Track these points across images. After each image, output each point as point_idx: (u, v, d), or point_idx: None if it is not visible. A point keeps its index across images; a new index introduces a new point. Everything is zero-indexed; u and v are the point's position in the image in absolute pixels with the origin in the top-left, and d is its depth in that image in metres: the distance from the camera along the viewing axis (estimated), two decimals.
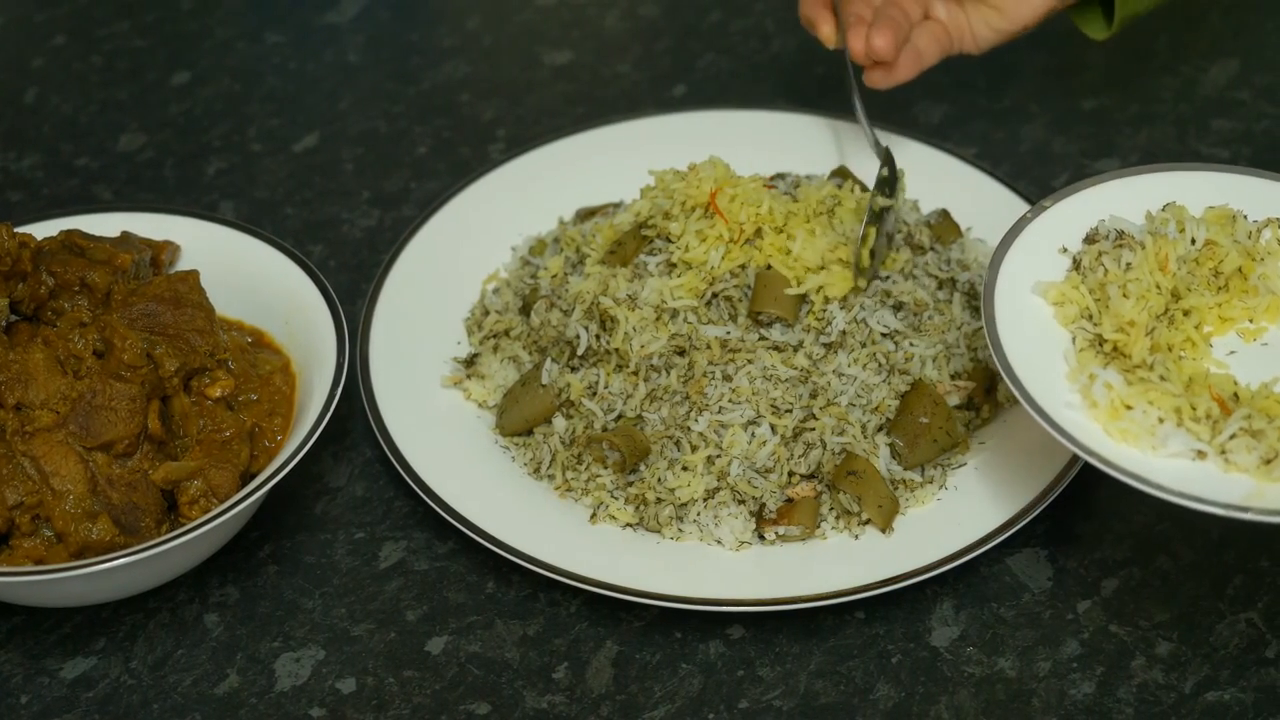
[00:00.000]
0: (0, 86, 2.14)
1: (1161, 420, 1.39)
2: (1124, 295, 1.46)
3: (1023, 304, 1.49)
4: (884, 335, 1.59)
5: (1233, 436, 1.37)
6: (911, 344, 1.60)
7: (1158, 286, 1.47)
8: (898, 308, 1.61)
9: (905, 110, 2.04)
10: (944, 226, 1.72)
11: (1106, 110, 2.03)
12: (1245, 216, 1.53)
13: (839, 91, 2.07)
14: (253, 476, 1.52)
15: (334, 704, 1.44)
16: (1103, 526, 1.56)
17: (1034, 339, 1.47)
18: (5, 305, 1.53)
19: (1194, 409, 1.39)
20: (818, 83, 2.09)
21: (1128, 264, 1.48)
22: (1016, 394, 1.41)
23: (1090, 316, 1.48)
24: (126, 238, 1.64)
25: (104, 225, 1.66)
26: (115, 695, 1.46)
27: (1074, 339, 1.47)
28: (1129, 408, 1.40)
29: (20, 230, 1.60)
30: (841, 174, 1.74)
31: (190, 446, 1.52)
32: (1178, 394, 1.40)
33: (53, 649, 1.49)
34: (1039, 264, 1.52)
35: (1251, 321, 1.49)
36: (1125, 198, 1.55)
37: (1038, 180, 1.93)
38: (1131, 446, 1.39)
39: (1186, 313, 1.47)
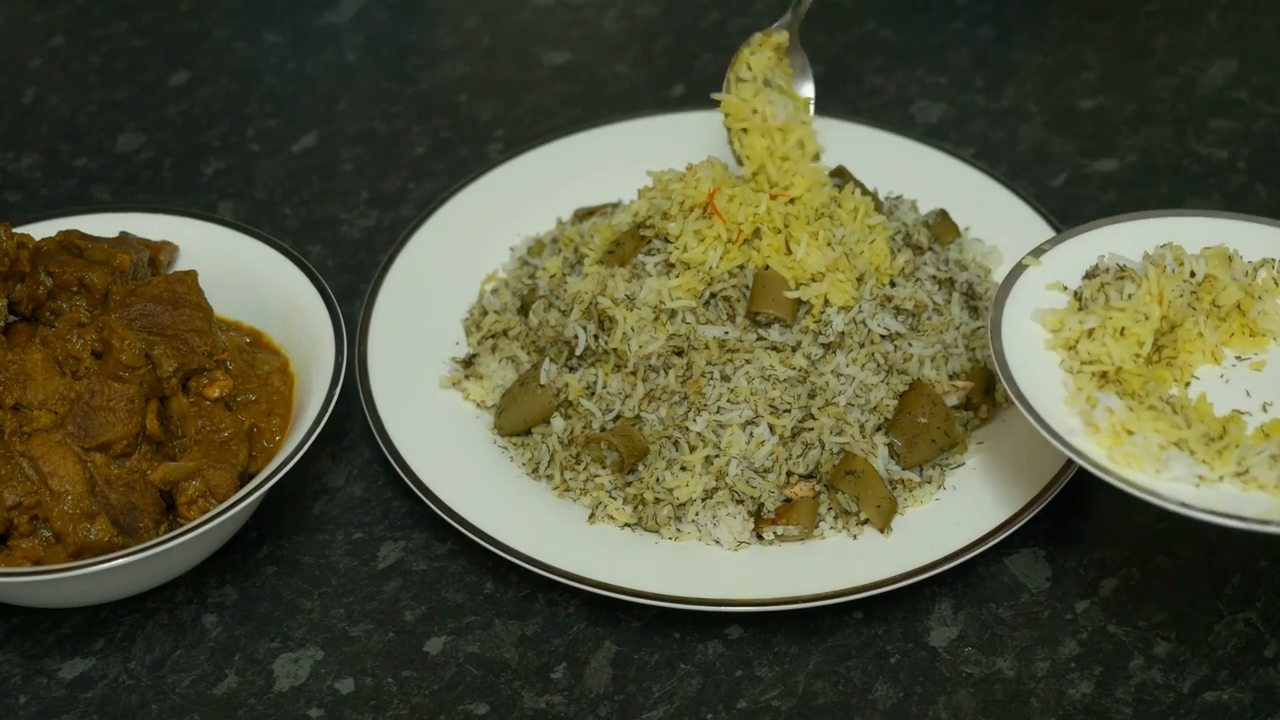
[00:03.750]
0: None
1: (1163, 447, 1.40)
2: (1118, 336, 1.48)
3: (1022, 330, 1.51)
4: (883, 337, 1.59)
5: (1265, 455, 1.40)
6: (910, 344, 1.60)
7: (1146, 316, 1.48)
8: (898, 311, 1.61)
9: (904, 110, 2.04)
10: (942, 227, 1.72)
11: (1105, 110, 2.03)
12: (1240, 256, 1.55)
13: (839, 91, 2.07)
14: (251, 477, 1.52)
15: (333, 704, 1.44)
16: (1101, 526, 1.56)
17: (1034, 365, 1.48)
18: (4, 306, 1.53)
19: (1194, 434, 1.41)
20: (817, 83, 2.08)
21: (1129, 295, 1.50)
22: (1037, 427, 1.42)
23: (1077, 347, 1.49)
24: (125, 238, 1.64)
25: (102, 225, 1.66)
26: (114, 696, 1.46)
27: (1069, 364, 1.48)
28: (1130, 433, 1.42)
29: (19, 231, 1.60)
30: (840, 174, 1.74)
31: (188, 447, 1.52)
32: (1178, 423, 1.42)
33: (51, 649, 1.49)
34: (1039, 300, 1.54)
35: (1238, 359, 1.51)
36: (1120, 241, 1.57)
37: (1036, 180, 1.93)
38: (1135, 470, 1.41)
39: (1174, 343, 1.50)
